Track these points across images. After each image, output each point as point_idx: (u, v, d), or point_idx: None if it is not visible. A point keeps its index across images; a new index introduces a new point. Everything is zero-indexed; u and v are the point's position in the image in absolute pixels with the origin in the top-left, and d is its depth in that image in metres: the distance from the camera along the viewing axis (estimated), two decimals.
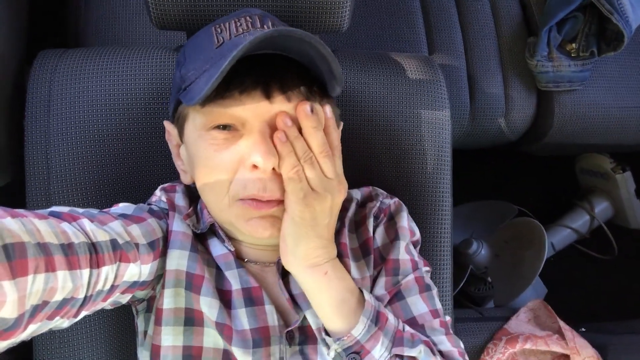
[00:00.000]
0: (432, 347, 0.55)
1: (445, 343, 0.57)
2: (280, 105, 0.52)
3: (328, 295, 0.54)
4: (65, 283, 0.42)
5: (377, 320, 0.53)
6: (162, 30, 0.70)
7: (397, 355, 0.53)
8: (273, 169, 0.51)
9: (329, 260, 0.55)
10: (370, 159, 0.76)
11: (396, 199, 0.66)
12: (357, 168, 0.75)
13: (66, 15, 1.05)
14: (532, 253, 1.21)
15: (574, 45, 1.05)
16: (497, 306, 1.25)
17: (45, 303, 0.41)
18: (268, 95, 0.51)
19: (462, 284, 1.27)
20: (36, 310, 0.40)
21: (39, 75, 0.71)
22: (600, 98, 1.09)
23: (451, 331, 0.59)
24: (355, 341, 0.52)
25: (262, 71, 0.52)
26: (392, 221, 0.64)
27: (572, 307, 0.98)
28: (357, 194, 0.67)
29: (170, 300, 0.58)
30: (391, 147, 0.76)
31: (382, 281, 0.60)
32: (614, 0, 1.01)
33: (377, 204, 0.64)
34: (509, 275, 1.25)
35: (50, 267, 0.40)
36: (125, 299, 0.56)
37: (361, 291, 0.56)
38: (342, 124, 0.64)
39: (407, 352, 0.53)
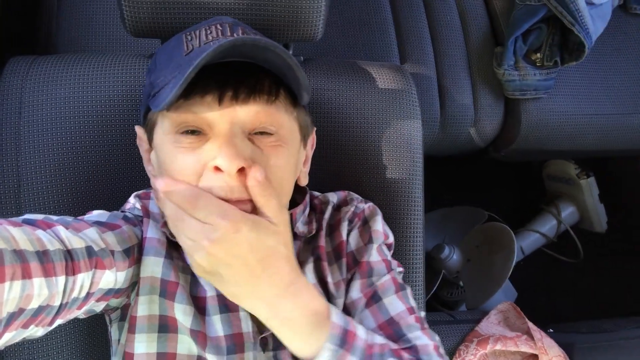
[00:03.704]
0: (400, 356, 0.55)
1: (422, 337, 0.57)
2: (240, 110, 0.52)
3: (289, 326, 0.51)
4: (41, 290, 0.42)
5: (344, 341, 0.51)
6: (136, 38, 0.70)
7: None
8: (239, 170, 0.50)
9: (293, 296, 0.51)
10: (344, 165, 0.77)
11: (370, 204, 0.67)
12: (331, 174, 0.76)
13: (37, 22, 1.04)
14: (502, 257, 1.24)
15: (538, 55, 1.09)
16: (469, 309, 1.27)
17: (21, 310, 0.40)
18: (222, 100, 0.51)
19: (435, 289, 1.29)
20: (12, 318, 0.40)
21: (10, 82, 0.70)
22: (564, 106, 1.13)
23: (426, 326, 0.60)
24: None
25: (226, 77, 0.52)
26: (366, 225, 0.65)
27: (540, 309, 1.01)
28: (334, 197, 0.68)
29: (144, 307, 0.57)
30: (364, 154, 0.77)
31: (357, 284, 0.61)
32: (575, 13, 1.05)
33: (352, 209, 0.65)
34: (480, 279, 1.27)
35: (26, 274, 0.40)
36: (99, 307, 0.55)
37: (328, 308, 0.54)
38: (314, 129, 0.66)
39: None
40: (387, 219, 0.68)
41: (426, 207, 0.80)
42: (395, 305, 0.59)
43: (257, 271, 0.47)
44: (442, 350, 0.58)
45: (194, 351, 0.57)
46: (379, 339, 0.54)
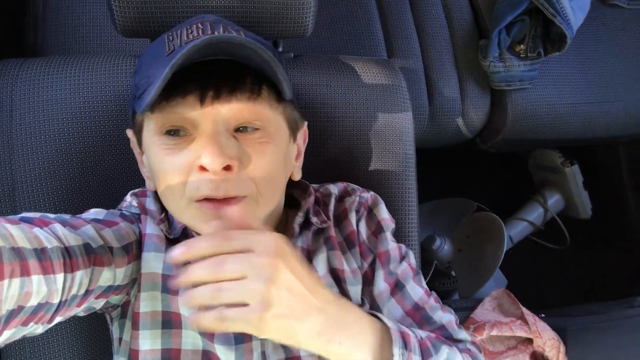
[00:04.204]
0: (449, 342, 0.59)
1: (445, 316, 0.62)
2: (222, 108, 0.52)
3: (357, 342, 0.49)
4: (40, 288, 0.42)
5: (405, 342, 0.52)
6: (126, 38, 0.69)
7: None
8: (225, 168, 0.51)
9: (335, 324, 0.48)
10: (337, 159, 0.77)
11: (372, 193, 0.69)
12: (325, 168, 0.76)
13: (23, 25, 1.03)
14: (493, 246, 1.26)
15: (522, 46, 1.11)
16: (462, 298, 1.29)
17: (20, 308, 0.41)
18: (203, 100, 0.52)
19: (427, 280, 1.31)
20: (11, 315, 0.40)
21: (0, 85, 0.70)
22: (548, 95, 1.16)
23: (441, 303, 0.64)
24: None
25: (208, 76, 0.52)
26: (371, 213, 0.67)
27: (530, 296, 1.02)
28: (334, 189, 0.68)
29: (146, 303, 0.58)
30: (357, 147, 0.78)
31: (380, 274, 0.63)
32: (556, 4, 1.07)
33: (357, 199, 0.67)
34: (472, 269, 1.29)
35: (25, 272, 0.40)
36: (99, 304, 0.55)
37: (377, 317, 0.53)
38: (305, 123, 0.66)
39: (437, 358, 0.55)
40: None
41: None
42: (416, 290, 0.62)
43: (309, 298, 0.45)
44: (458, 322, 0.63)
45: (199, 346, 0.58)
46: (421, 332, 0.56)
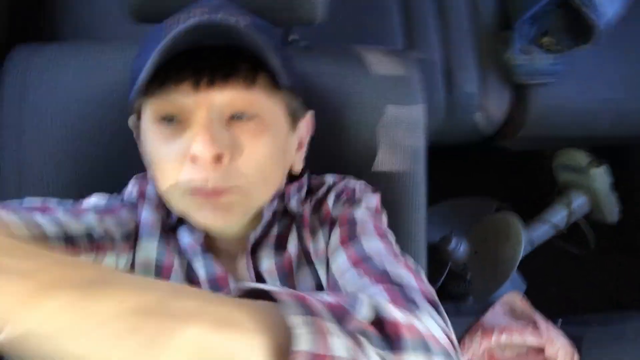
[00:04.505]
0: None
1: (399, 269, 0.48)
2: (216, 96, 0.51)
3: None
4: None
5: (307, 306, 0.33)
6: (141, 28, 0.69)
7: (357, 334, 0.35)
8: (216, 158, 0.49)
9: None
10: (347, 149, 0.75)
11: (364, 183, 0.64)
12: (330, 159, 0.74)
13: (42, 10, 1.04)
14: (510, 248, 1.22)
15: (547, 38, 1.06)
16: (476, 301, 1.26)
17: None
18: (198, 86, 0.50)
19: (442, 280, 1.27)
20: None
21: (13, 69, 0.71)
22: (575, 90, 1.10)
23: (413, 268, 0.50)
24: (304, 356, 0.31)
25: (202, 63, 0.51)
26: (354, 198, 0.60)
27: (550, 300, 0.99)
28: (330, 178, 0.66)
29: (144, 253, 0.58)
30: (367, 139, 0.75)
31: (336, 234, 0.56)
32: None
33: (342, 185, 0.63)
34: (488, 271, 1.25)
35: None
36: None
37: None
38: (308, 112, 0.63)
39: (358, 314, 0.36)
40: (388, 203, 0.64)
41: (433, 198, 0.78)
42: (372, 243, 0.52)
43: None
44: (427, 286, 0.47)
45: None
46: (328, 297, 0.37)
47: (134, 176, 0.65)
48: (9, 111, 0.71)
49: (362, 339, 0.34)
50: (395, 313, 0.37)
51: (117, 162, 0.71)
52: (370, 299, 0.38)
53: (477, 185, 1.48)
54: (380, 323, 0.36)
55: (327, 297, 0.37)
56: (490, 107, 1.11)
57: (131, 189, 0.63)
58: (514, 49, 1.06)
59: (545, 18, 1.07)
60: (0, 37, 0.90)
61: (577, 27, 1.07)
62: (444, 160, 1.06)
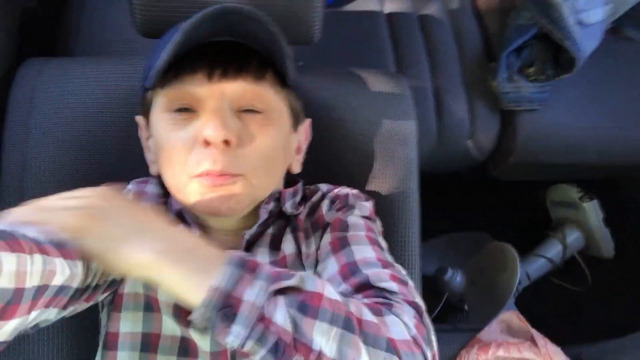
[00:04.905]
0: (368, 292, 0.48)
1: (381, 273, 0.50)
2: (228, 86, 0.54)
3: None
4: (63, 269, 0.41)
5: (244, 265, 0.42)
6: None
7: (276, 292, 0.42)
8: (225, 142, 0.52)
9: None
10: (341, 161, 0.77)
11: (356, 191, 0.65)
12: (326, 171, 0.76)
13: (57, 32, 1.09)
14: (506, 275, 1.21)
15: (531, 69, 1.12)
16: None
17: (45, 286, 0.40)
18: (211, 77, 0.54)
19: (437, 312, 1.25)
20: (38, 292, 0.39)
21: (23, 80, 0.75)
22: (560, 118, 1.14)
23: (399, 279, 0.50)
24: (219, 292, 0.40)
25: (216, 55, 0.55)
26: (348, 205, 0.62)
27: (547, 336, 0.96)
28: (324, 187, 0.68)
29: (130, 284, 0.58)
30: (360, 151, 0.77)
31: (327, 238, 0.58)
32: (564, 30, 1.08)
33: (336, 190, 0.65)
34: (484, 300, 1.24)
35: (44, 252, 0.39)
36: (103, 296, 0.56)
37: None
38: (306, 120, 0.67)
39: (286, 283, 0.42)
40: (381, 211, 0.67)
41: (427, 231, 0.79)
42: (364, 251, 0.54)
43: (136, 218, 0.46)
44: (411, 290, 0.50)
45: (177, 332, 0.56)
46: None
47: (133, 180, 0.66)
48: (16, 117, 0.73)
49: (280, 297, 0.41)
50: (335, 294, 0.44)
51: (115, 166, 0.73)
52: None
53: (473, 220, 1.48)
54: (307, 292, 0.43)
55: (283, 270, 0.45)
56: (479, 133, 1.14)
57: (128, 190, 0.65)
58: (500, 78, 1.11)
59: (528, 51, 1.13)
60: (13, 53, 0.94)
61: (558, 59, 1.13)
62: (437, 192, 1.08)
